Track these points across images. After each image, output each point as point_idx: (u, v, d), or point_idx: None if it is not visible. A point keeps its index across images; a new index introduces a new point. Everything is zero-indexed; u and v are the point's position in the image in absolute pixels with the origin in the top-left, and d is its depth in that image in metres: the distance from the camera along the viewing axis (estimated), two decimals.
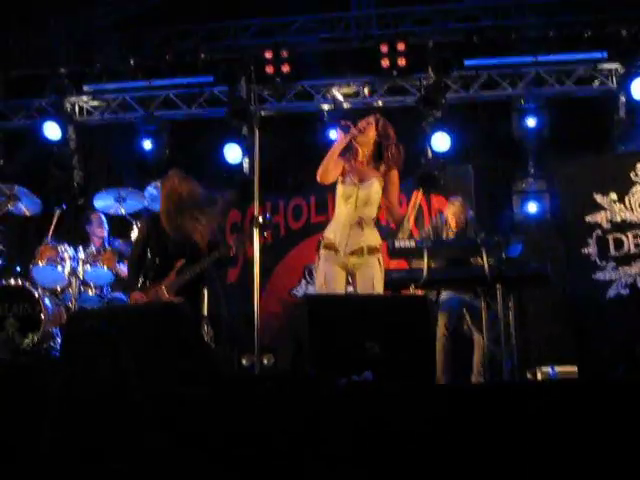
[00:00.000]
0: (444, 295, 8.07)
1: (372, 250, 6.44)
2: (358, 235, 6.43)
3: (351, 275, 6.49)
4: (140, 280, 6.93)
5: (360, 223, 6.44)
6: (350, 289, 6.56)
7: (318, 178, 6.54)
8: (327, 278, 6.38)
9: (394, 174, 6.60)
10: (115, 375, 4.23)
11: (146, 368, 4.58)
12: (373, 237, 6.54)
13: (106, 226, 9.28)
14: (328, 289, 6.29)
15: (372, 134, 6.57)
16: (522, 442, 3.55)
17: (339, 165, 6.55)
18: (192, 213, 6.88)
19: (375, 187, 6.49)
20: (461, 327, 8.19)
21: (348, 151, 6.63)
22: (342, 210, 6.57)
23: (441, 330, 7.93)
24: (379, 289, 6.41)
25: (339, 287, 6.43)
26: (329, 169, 6.48)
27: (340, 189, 6.57)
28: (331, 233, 6.55)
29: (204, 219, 6.95)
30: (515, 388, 4.74)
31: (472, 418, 3.68)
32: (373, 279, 6.37)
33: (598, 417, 3.61)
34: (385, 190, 6.55)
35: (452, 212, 8.42)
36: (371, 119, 6.64)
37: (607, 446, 3.50)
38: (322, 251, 6.53)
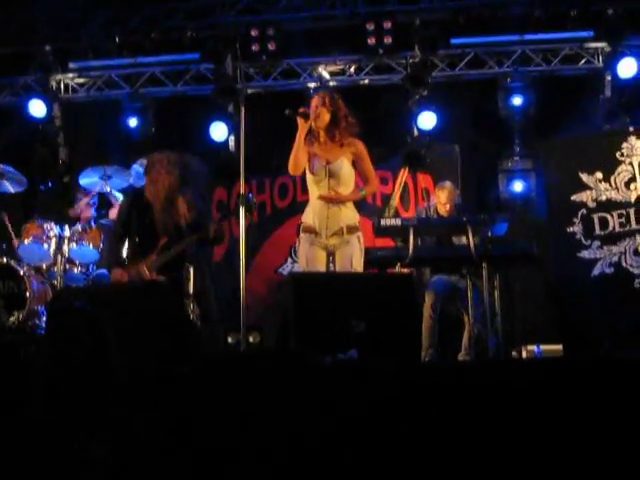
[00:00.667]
0: (433, 277, 8.09)
1: (351, 229, 6.50)
2: (336, 216, 6.50)
3: (332, 255, 6.53)
4: (122, 257, 6.93)
5: (337, 204, 6.52)
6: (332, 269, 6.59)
7: (290, 171, 6.68)
8: (309, 260, 6.46)
9: (360, 146, 6.73)
10: (99, 353, 4.24)
11: (130, 346, 4.58)
12: (351, 215, 6.59)
13: (95, 206, 9.31)
14: (310, 269, 6.38)
15: (325, 113, 6.62)
16: (507, 419, 3.57)
17: (305, 153, 6.62)
18: (180, 194, 6.87)
19: (345, 166, 6.57)
20: (448, 307, 8.20)
21: (311, 137, 6.71)
22: (316, 194, 6.63)
23: (427, 310, 7.95)
24: (358, 267, 6.46)
25: (321, 268, 6.48)
26: (298, 160, 6.56)
27: (309, 176, 6.68)
28: (309, 218, 6.62)
29: (189, 199, 6.94)
30: (500, 366, 4.76)
31: (457, 396, 3.69)
32: (352, 257, 6.42)
33: (583, 395, 3.63)
34: (357, 165, 6.65)
35: (444, 197, 8.38)
36: (319, 100, 6.71)
37: (592, 423, 3.52)
38: (302, 235, 6.61)
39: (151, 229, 6.81)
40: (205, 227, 7.08)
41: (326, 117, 6.60)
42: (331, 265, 6.57)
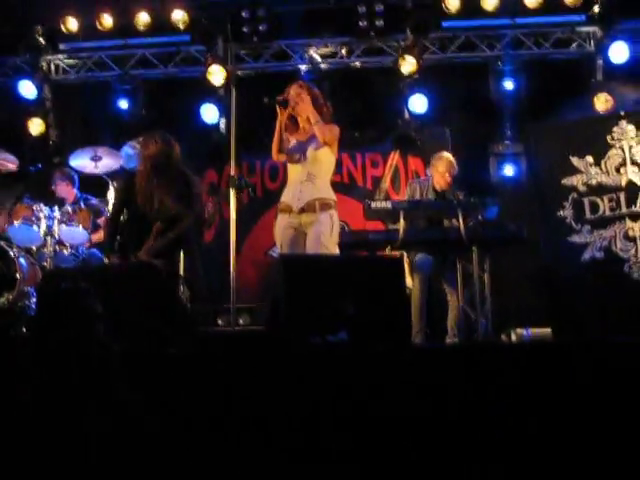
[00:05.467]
0: (418, 256, 8.04)
1: (324, 205, 6.52)
2: (309, 189, 6.55)
3: (304, 235, 6.56)
4: (117, 244, 6.94)
5: (311, 179, 6.58)
6: None
7: (274, 158, 6.81)
8: (283, 244, 6.55)
9: (336, 130, 6.77)
10: (90, 334, 4.23)
11: (120, 326, 4.58)
12: (326, 192, 6.63)
13: (75, 184, 9.29)
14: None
15: (307, 100, 6.69)
16: (498, 402, 3.58)
17: (286, 140, 6.76)
18: (168, 178, 6.86)
19: (320, 145, 6.62)
20: (435, 288, 8.19)
21: (290, 124, 6.81)
22: (291, 172, 6.76)
23: (415, 290, 7.92)
24: (329, 245, 6.46)
25: (296, 250, 6.53)
26: (280, 148, 6.70)
27: (288, 159, 6.78)
28: (285, 196, 6.72)
29: (178, 185, 6.93)
30: (489, 348, 4.77)
31: (448, 379, 3.70)
32: (321, 235, 6.41)
33: (572, 378, 3.64)
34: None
35: (443, 166, 8.24)
36: (297, 87, 6.81)
37: (582, 406, 3.54)
38: (278, 216, 6.69)
39: (145, 213, 6.81)
40: (200, 210, 7.11)
41: (307, 101, 6.68)
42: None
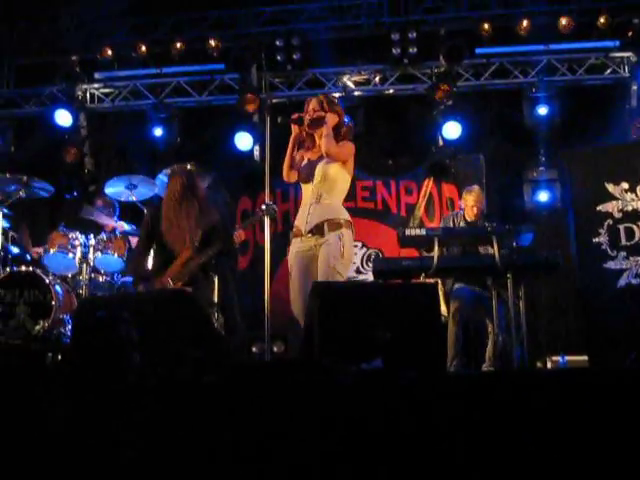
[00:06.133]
0: (456, 285, 8.06)
1: (333, 225, 6.22)
2: (317, 211, 6.28)
3: (317, 259, 6.28)
4: (146, 270, 6.98)
5: (319, 199, 6.31)
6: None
7: (284, 177, 6.50)
8: (295, 271, 6.27)
9: (351, 148, 6.46)
10: (125, 363, 4.25)
11: (154, 355, 4.59)
12: (336, 212, 6.32)
13: (116, 213, 9.35)
14: (300, 281, 6.21)
15: (330, 116, 6.38)
16: (533, 430, 3.56)
17: (300, 158, 6.53)
18: (193, 207, 6.91)
19: (333, 167, 6.34)
20: (473, 317, 8.17)
21: (303, 142, 6.57)
22: (304, 194, 6.50)
23: (452, 319, 7.93)
24: (339, 268, 6.15)
25: (308, 276, 6.24)
26: (290, 166, 6.44)
27: (299, 178, 6.53)
28: (297, 219, 6.47)
29: (203, 214, 6.98)
30: (525, 377, 4.74)
31: (482, 407, 3.68)
32: (330, 258, 6.12)
33: (609, 407, 3.61)
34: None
35: (472, 200, 8.38)
36: (316, 103, 6.49)
37: (617, 435, 3.50)
38: (292, 241, 6.43)
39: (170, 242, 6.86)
40: (228, 237, 7.12)
41: (334, 119, 6.39)
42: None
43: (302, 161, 6.54)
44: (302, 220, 6.35)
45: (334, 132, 6.36)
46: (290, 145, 6.46)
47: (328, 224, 6.21)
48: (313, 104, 6.50)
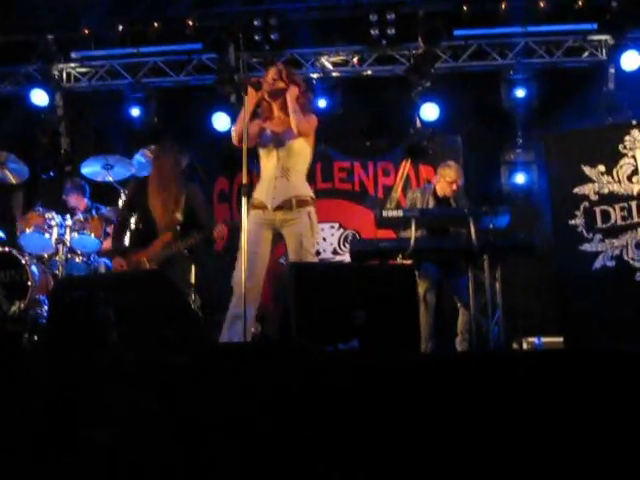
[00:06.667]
0: (423, 263, 8.02)
1: (301, 202, 6.26)
2: (284, 186, 6.27)
3: (280, 235, 6.35)
4: (124, 245, 6.98)
5: (285, 174, 6.29)
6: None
7: (234, 141, 6.35)
8: (250, 239, 5.98)
9: (314, 121, 6.44)
10: (103, 342, 4.24)
11: (131, 335, 4.59)
12: (302, 188, 6.36)
13: (86, 194, 9.32)
14: (250, 250, 5.99)
15: (282, 85, 6.36)
16: (509, 411, 3.57)
17: (256, 126, 6.42)
18: (181, 185, 6.91)
19: (295, 137, 6.31)
20: (441, 294, 8.17)
21: (262, 110, 6.51)
22: (265, 166, 6.44)
23: (421, 297, 7.90)
24: (309, 248, 6.25)
25: (263, 248, 6.32)
26: (249, 131, 6.18)
27: (260, 151, 6.47)
28: (258, 192, 6.40)
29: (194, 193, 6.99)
30: (502, 357, 4.76)
31: (459, 387, 3.69)
32: (302, 237, 6.20)
33: (583, 387, 3.63)
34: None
35: (453, 175, 8.25)
36: (275, 72, 6.43)
37: (592, 416, 3.52)
38: (251, 212, 6.28)
39: (153, 219, 6.85)
40: (208, 227, 7.12)
41: (295, 91, 6.33)
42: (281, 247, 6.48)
43: (261, 131, 6.46)
44: (266, 194, 6.31)
45: (284, 102, 6.36)
46: (248, 109, 6.27)
47: (296, 200, 6.24)
48: (272, 73, 6.44)
